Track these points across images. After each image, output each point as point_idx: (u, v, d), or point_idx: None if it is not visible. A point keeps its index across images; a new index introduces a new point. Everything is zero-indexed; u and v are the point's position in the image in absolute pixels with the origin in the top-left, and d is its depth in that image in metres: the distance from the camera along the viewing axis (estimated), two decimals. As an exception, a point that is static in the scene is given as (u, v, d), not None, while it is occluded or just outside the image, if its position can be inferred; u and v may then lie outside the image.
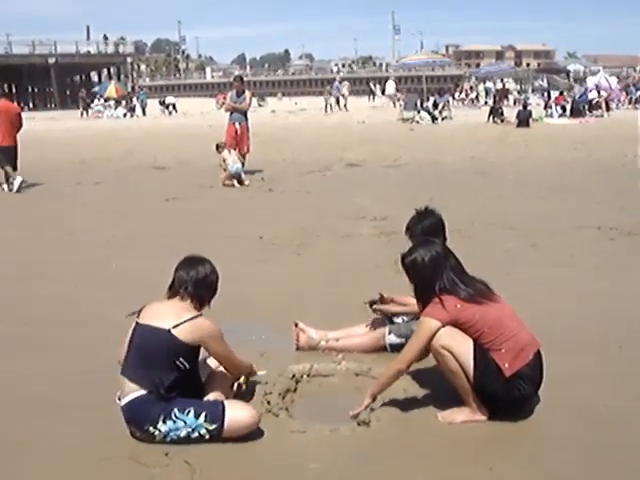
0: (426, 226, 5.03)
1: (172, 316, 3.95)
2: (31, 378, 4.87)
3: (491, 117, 29.57)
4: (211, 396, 4.11)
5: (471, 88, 53.28)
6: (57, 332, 5.78)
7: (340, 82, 46.06)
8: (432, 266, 4.16)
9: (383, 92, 52.50)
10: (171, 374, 3.88)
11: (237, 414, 3.89)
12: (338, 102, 43.86)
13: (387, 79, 47.24)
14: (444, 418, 4.14)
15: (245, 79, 16.71)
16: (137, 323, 4.07)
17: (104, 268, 7.80)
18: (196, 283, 4.09)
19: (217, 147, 14.56)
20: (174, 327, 3.89)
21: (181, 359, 3.91)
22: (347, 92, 45.26)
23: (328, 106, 42.72)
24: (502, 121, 28.76)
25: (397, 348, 4.69)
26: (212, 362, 4.35)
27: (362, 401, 4.16)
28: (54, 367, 5.06)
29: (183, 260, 4.23)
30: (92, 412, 4.27)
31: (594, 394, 4.44)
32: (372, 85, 61.07)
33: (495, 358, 4.00)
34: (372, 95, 57.01)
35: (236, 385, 4.41)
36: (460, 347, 4.02)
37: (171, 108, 47.39)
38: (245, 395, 4.41)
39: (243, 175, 14.21)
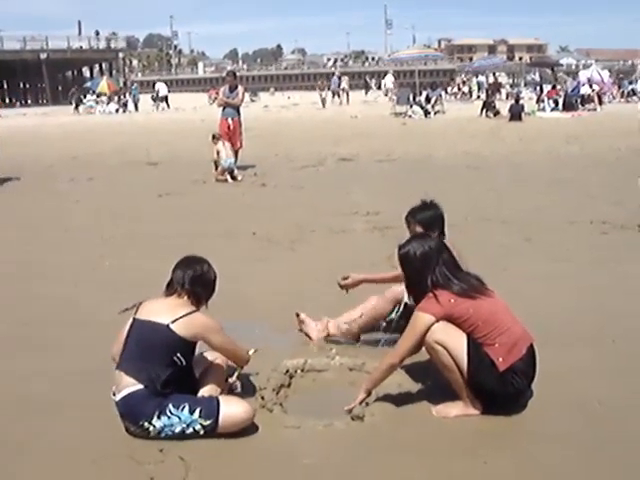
0: (425, 217, 5.04)
1: (169, 312, 3.99)
2: (31, 378, 4.87)
3: (484, 111, 29.59)
4: (206, 391, 4.12)
5: (463, 82, 53.29)
6: (57, 332, 5.76)
7: (339, 76, 45.91)
8: (423, 260, 4.19)
9: (379, 87, 52.32)
10: (167, 369, 3.91)
11: (232, 410, 3.90)
12: (336, 96, 43.76)
13: (386, 73, 46.97)
14: (438, 412, 4.15)
15: (238, 74, 16.66)
16: (135, 319, 4.08)
17: (100, 267, 7.77)
18: (192, 280, 4.13)
19: (213, 137, 14.53)
20: (172, 322, 3.93)
21: (178, 354, 3.95)
22: (347, 86, 45.13)
23: (324, 100, 41.49)
24: (495, 115, 28.77)
25: (409, 311, 4.53)
26: (208, 356, 4.36)
27: (356, 396, 4.17)
28: (54, 367, 5.05)
29: (181, 260, 4.28)
30: (90, 412, 4.26)
31: (590, 389, 4.45)
32: (368, 79, 60.93)
33: (489, 352, 4.01)
34: (367, 89, 56.82)
35: (233, 377, 4.41)
36: (454, 342, 4.03)
37: (163, 103, 45.77)
38: (239, 390, 4.41)
39: (236, 170, 14.21)
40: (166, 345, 3.93)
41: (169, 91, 49.82)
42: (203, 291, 4.21)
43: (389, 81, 45.13)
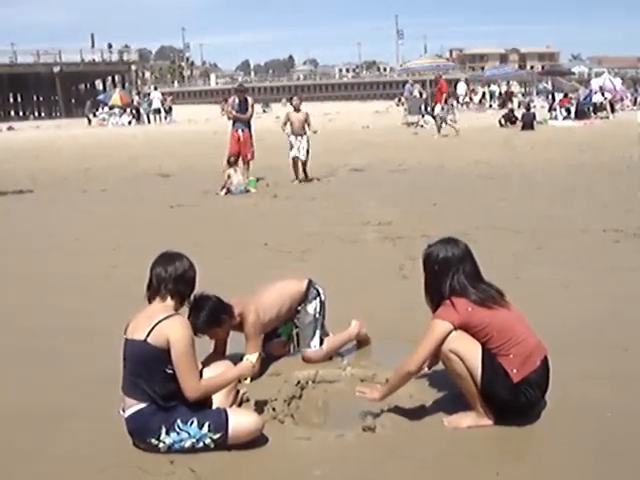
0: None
1: (145, 324, 3.85)
2: (40, 388, 4.89)
3: (503, 120, 29.26)
4: (215, 402, 4.07)
5: (472, 91, 53.17)
6: (69, 342, 5.78)
7: (412, 84, 46.10)
8: (443, 264, 4.18)
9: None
10: (163, 383, 3.82)
11: (240, 421, 3.87)
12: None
13: (458, 80, 45.71)
14: (450, 423, 4.13)
15: (249, 85, 16.77)
16: (125, 338, 3.97)
17: (113, 277, 7.79)
18: (175, 280, 4.00)
19: (228, 161, 14.55)
20: (147, 335, 3.80)
21: (169, 366, 3.81)
22: (418, 94, 45.35)
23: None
24: (512, 123, 28.47)
25: None
26: (218, 367, 4.31)
27: (370, 391, 4.22)
28: (65, 377, 5.07)
29: (159, 257, 4.15)
30: (101, 422, 4.27)
31: (602, 397, 4.41)
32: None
33: (503, 363, 3.99)
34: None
35: (241, 393, 4.40)
36: (468, 351, 4.02)
37: (162, 115, 42.18)
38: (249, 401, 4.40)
39: (251, 188, 14.20)
40: (151, 361, 3.80)
41: (162, 101, 45.15)
42: (186, 289, 4.08)
43: (462, 88, 43.64)
